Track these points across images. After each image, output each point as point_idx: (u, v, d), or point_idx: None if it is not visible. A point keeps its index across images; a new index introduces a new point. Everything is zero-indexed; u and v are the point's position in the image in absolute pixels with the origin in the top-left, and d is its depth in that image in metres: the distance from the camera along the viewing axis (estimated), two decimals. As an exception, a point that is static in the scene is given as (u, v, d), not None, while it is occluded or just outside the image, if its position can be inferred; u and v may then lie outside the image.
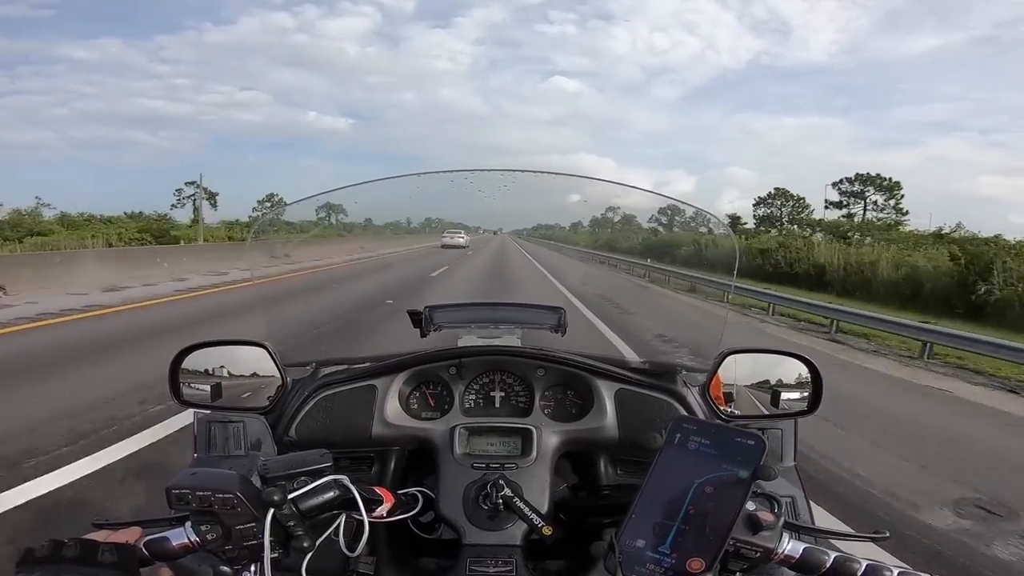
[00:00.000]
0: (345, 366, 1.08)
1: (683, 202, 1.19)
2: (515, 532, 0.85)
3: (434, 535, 0.92)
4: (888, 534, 0.68)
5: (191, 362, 1.00)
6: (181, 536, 0.62)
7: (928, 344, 7.14)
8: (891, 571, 0.59)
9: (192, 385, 1.00)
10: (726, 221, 1.29)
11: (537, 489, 0.89)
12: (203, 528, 0.61)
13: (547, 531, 0.84)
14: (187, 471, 0.63)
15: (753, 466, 0.56)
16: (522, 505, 0.84)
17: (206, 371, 1.02)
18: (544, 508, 0.87)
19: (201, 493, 0.60)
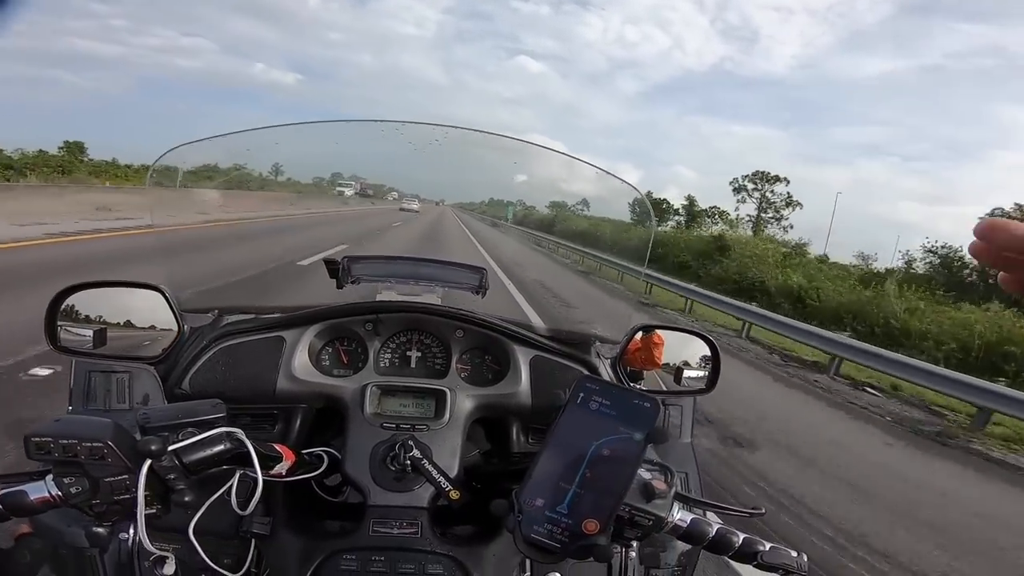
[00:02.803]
0: (252, 315, 1.02)
1: (612, 174, 1.21)
2: (422, 494, 0.84)
3: (340, 498, 0.90)
4: (764, 511, 0.75)
5: (74, 305, 0.90)
6: (40, 490, 0.57)
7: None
8: (764, 545, 0.66)
9: (72, 330, 0.90)
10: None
11: (447, 452, 0.88)
12: (66, 480, 0.56)
13: (454, 495, 0.84)
14: (51, 418, 0.57)
15: (647, 428, 0.59)
16: (430, 467, 0.83)
17: (92, 317, 0.92)
18: (454, 472, 0.87)
19: (65, 442, 0.55)
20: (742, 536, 0.67)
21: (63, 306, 0.90)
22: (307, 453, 0.82)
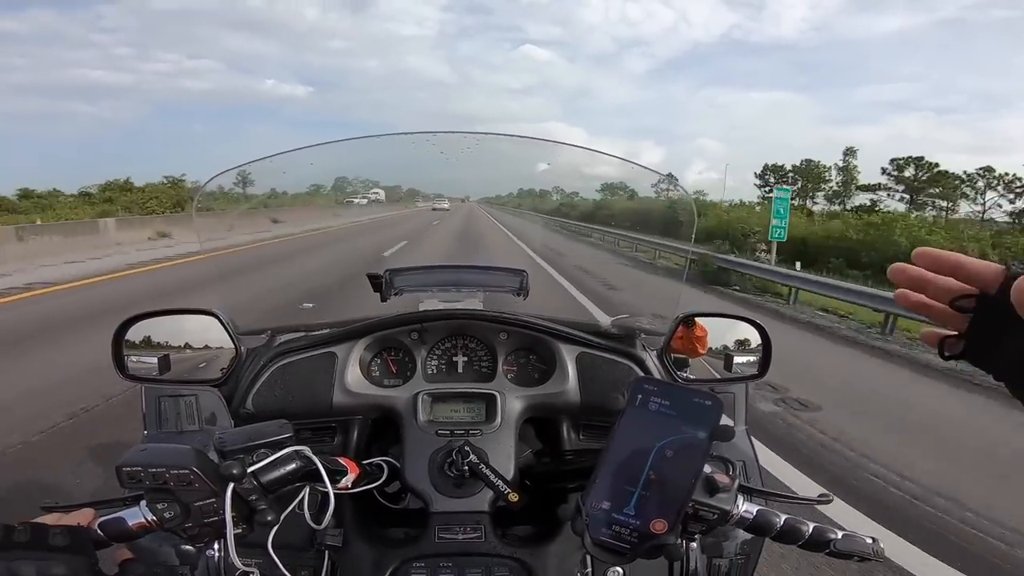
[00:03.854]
0: (303, 333, 1.04)
1: (645, 167, 1.20)
2: (482, 499, 0.85)
3: (400, 505, 0.92)
4: (832, 498, 0.73)
5: (136, 334, 0.95)
6: (137, 516, 0.60)
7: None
8: (835, 533, 0.64)
9: (138, 358, 0.95)
10: (691, 191, 1.31)
11: (503, 455, 0.89)
12: (159, 506, 0.59)
13: (513, 497, 0.84)
14: (137, 447, 0.60)
15: (711, 427, 0.58)
16: (488, 472, 0.84)
17: (153, 343, 0.96)
18: (510, 474, 0.87)
19: (154, 470, 0.57)
20: (812, 525, 0.65)
21: (127, 336, 0.95)
22: (367, 463, 0.84)
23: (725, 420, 0.62)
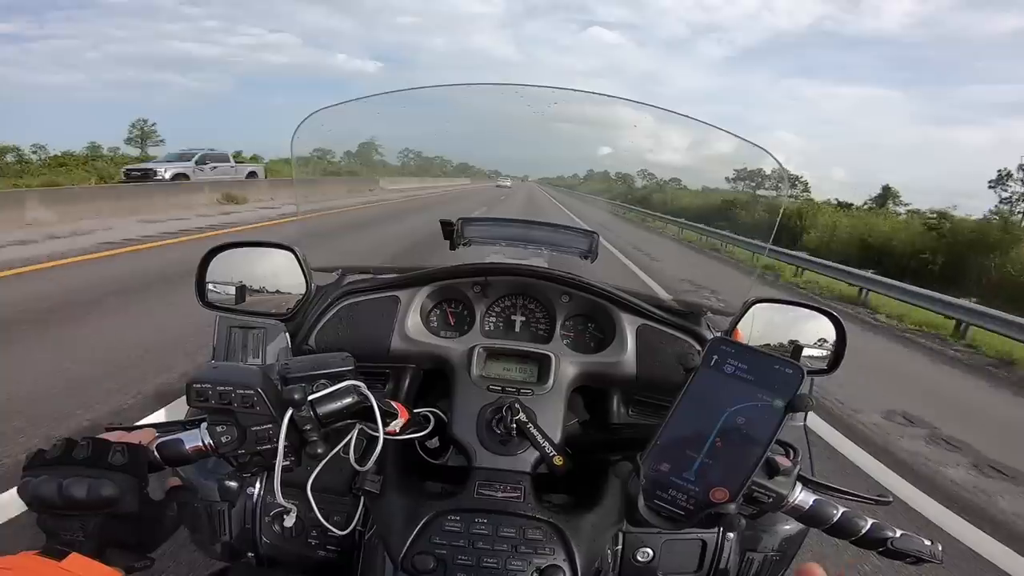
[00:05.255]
0: (371, 275, 1.07)
1: (742, 137, 1.12)
2: (526, 459, 0.84)
3: (440, 460, 0.92)
4: (891, 500, 0.69)
5: (219, 264, 1.00)
6: (195, 439, 0.62)
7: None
8: (894, 532, 0.61)
9: (217, 288, 1.00)
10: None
11: (551, 418, 0.88)
12: (219, 429, 0.61)
13: (558, 461, 0.83)
14: (209, 365, 0.62)
15: (790, 396, 0.55)
16: (535, 432, 0.83)
17: (233, 276, 1.01)
18: (556, 438, 0.86)
19: (222, 388, 0.59)
20: (870, 521, 0.62)
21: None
22: (416, 412, 0.84)
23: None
